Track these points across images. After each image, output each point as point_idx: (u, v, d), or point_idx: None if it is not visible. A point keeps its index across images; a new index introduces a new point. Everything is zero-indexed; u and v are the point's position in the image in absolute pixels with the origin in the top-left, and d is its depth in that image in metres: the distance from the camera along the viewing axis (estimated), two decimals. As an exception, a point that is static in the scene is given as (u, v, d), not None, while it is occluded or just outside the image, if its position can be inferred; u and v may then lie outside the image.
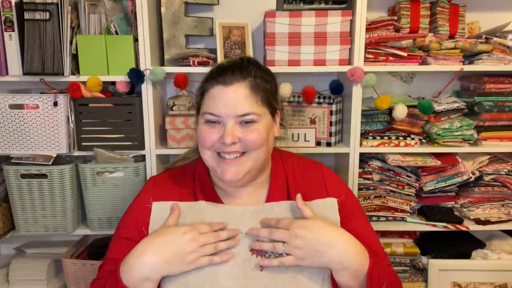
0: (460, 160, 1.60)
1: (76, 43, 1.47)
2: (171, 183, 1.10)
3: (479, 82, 1.63)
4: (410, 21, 1.60)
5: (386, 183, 1.60)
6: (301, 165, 1.13)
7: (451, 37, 1.63)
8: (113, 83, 1.54)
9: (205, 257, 0.94)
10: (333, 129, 1.59)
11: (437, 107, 1.56)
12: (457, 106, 1.58)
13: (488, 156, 1.64)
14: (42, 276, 1.61)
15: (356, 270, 0.92)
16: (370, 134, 1.57)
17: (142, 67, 1.47)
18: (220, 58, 1.54)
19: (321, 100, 1.59)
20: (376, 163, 1.59)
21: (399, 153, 1.58)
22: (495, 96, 1.58)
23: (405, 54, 1.52)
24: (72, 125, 1.51)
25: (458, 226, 1.58)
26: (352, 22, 1.50)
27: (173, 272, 0.93)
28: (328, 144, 1.61)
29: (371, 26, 1.53)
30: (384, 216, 1.61)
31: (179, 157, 1.20)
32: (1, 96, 1.44)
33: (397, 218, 1.61)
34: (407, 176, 1.59)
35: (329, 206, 1.05)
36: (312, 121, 1.62)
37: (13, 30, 1.41)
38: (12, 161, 1.48)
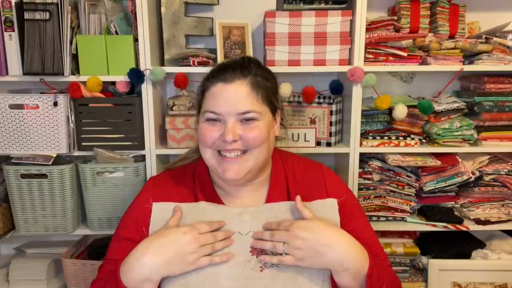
0: (460, 160, 1.60)
1: (76, 43, 1.47)
2: (171, 183, 1.10)
3: (479, 82, 1.63)
4: (410, 21, 1.60)
5: (386, 183, 1.60)
6: (301, 165, 1.13)
7: (451, 37, 1.63)
8: (113, 83, 1.54)
9: (206, 257, 0.94)
10: (333, 129, 1.59)
11: (437, 107, 1.56)
12: (457, 106, 1.58)
13: (488, 156, 1.64)
14: (42, 276, 1.61)
15: (356, 271, 0.92)
16: (370, 134, 1.57)
17: (142, 67, 1.47)
18: (220, 58, 1.54)
19: (321, 100, 1.59)
20: (376, 163, 1.59)
21: (399, 153, 1.58)
22: (495, 96, 1.58)
23: (405, 54, 1.52)
24: (72, 125, 1.51)
25: (458, 226, 1.58)
26: (352, 22, 1.50)
27: (173, 273, 0.93)
28: (328, 144, 1.61)
29: (371, 26, 1.53)
30: (384, 216, 1.61)
31: (179, 157, 1.20)
32: (1, 96, 1.44)
33: (397, 218, 1.61)
34: (407, 176, 1.59)
35: (329, 206, 1.05)
36: (312, 121, 1.62)
37: (13, 30, 1.41)
38: (12, 161, 1.48)
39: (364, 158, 1.62)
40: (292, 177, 1.09)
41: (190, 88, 1.59)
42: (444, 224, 1.58)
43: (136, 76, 1.46)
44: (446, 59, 1.54)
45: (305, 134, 1.56)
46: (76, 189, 1.53)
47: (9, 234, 1.55)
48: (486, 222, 1.59)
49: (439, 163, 1.56)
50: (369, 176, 1.60)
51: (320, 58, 1.51)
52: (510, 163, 1.62)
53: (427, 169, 1.59)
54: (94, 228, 1.55)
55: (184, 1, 1.58)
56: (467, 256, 1.65)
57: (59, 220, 1.52)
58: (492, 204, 1.63)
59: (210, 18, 1.65)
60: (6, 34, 1.42)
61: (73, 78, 1.47)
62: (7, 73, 1.45)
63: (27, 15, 1.39)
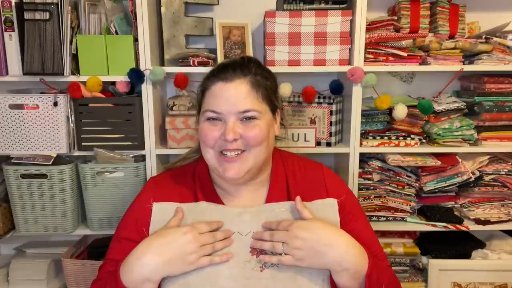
0: (460, 160, 1.60)
1: (76, 43, 1.47)
2: (171, 183, 1.10)
3: (479, 82, 1.63)
4: (410, 21, 1.60)
5: (386, 183, 1.60)
6: (301, 165, 1.13)
7: (451, 37, 1.63)
8: (113, 83, 1.54)
9: (206, 257, 0.94)
10: (333, 129, 1.59)
11: (437, 107, 1.56)
12: (457, 106, 1.58)
13: (488, 156, 1.64)
14: (42, 276, 1.61)
15: (355, 271, 0.92)
16: (370, 134, 1.57)
17: (142, 67, 1.47)
18: (220, 58, 1.54)
19: (321, 100, 1.59)
20: (376, 163, 1.59)
21: (399, 153, 1.58)
22: (495, 96, 1.58)
23: (405, 54, 1.52)
24: (72, 125, 1.51)
25: (458, 226, 1.58)
26: (352, 22, 1.50)
27: (173, 272, 0.93)
28: (328, 144, 1.61)
29: (371, 26, 1.53)
30: (384, 216, 1.61)
31: (180, 157, 1.20)
32: (1, 96, 1.44)
33: (397, 218, 1.61)
34: (407, 176, 1.59)
35: (329, 206, 1.05)
36: (312, 121, 1.62)
37: (13, 30, 1.41)
38: (12, 161, 1.48)
39: (364, 158, 1.62)
40: (292, 177, 1.09)
41: (190, 88, 1.59)
42: (444, 224, 1.58)
43: (136, 76, 1.46)
44: (446, 59, 1.54)
45: (305, 134, 1.56)
46: (76, 189, 1.53)
47: (9, 234, 1.55)
48: (486, 222, 1.59)
49: (439, 163, 1.56)
50: (369, 176, 1.60)
51: (320, 58, 1.51)
52: (510, 163, 1.62)
53: (427, 169, 1.59)
54: (94, 228, 1.55)
55: (184, 1, 1.58)
56: (467, 256, 1.65)
57: (59, 220, 1.52)
58: (492, 204, 1.63)
59: (210, 18, 1.65)
60: (6, 34, 1.42)
61: (73, 78, 1.47)
62: (7, 73, 1.45)
63: (27, 15, 1.39)
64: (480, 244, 1.68)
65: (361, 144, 1.56)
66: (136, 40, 1.47)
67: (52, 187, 1.48)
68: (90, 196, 1.51)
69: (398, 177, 1.59)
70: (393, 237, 1.68)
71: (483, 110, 1.57)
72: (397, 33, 1.53)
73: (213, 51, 1.59)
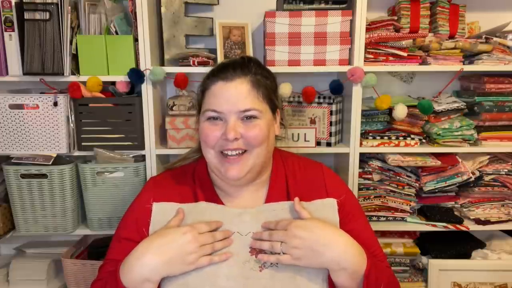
0: (460, 160, 1.60)
1: (76, 43, 1.47)
2: (171, 183, 1.10)
3: (479, 82, 1.63)
4: (410, 21, 1.60)
5: (386, 183, 1.60)
6: (301, 165, 1.13)
7: (451, 37, 1.63)
8: (113, 83, 1.54)
9: (205, 257, 0.94)
10: (333, 129, 1.59)
11: (437, 107, 1.56)
12: (457, 106, 1.58)
13: (488, 156, 1.64)
14: (42, 276, 1.61)
15: (354, 271, 0.92)
16: (370, 134, 1.57)
17: (142, 67, 1.47)
18: (220, 58, 1.54)
19: (321, 100, 1.59)
20: (376, 163, 1.59)
21: (399, 153, 1.58)
22: (495, 96, 1.58)
23: (405, 54, 1.52)
24: (72, 125, 1.51)
25: (458, 226, 1.58)
26: (352, 22, 1.50)
27: (173, 272, 0.93)
28: (328, 144, 1.61)
29: (371, 26, 1.53)
30: (384, 216, 1.61)
31: (180, 157, 1.20)
32: (1, 96, 1.44)
33: (397, 218, 1.61)
34: (407, 176, 1.59)
35: (328, 206, 1.05)
36: (312, 121, 1.62)
37: (13, 30, 1.41)
38: (12, 161, 1.48)
39: (364, 158, 1.62)
40: (292, 177, 1.09)
41: (190, 88, 1.59)
42: (444, 224, 1.58)
43: (136, 76, 1.46)
44: (446, 59, 1.54)
45: (305, 134, 1.56)
46: (76, 189, 1.53)
47: (9, 234, 1.55)
48: (486, 222, 1.59)
49: (439, 163, 1.56)
50: (369, 176, 1.60)
51: (320, 58, 1.51)
52: (510, 163, 1.62)
53: (427, 169, 1.59)
54: (94, 228, 1.55)
55: (184, 1, 1.58)
56: (467, 256, 1.65)
57: (59, 220, 1.52)
58: (492, 204, 1.63)
59: (210, 18, 1.65)
60: (6, 34, 1.42)
61: (73, 78, 1.47)
62: (7, 73, 1.45)
63: (27, 15, 1.39)
64: (480, 244, 1.68)
65: (361, 144, 1.56)
66: (136, 40, 1.47)
67: (52, 187, 1.48)
68: (90, 196, 1.51)
69: (398, 177, 1.59)
70: (393, 237, 1.68)
71: (483, 110, 1.57)
72: (397, 33, 1.53)
73: (213, 51, 1.59)
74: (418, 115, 1.58)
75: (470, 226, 1.58)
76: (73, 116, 1.50)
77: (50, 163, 1.46)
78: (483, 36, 1.57)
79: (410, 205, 1.60)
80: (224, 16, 1.68)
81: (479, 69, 1.53)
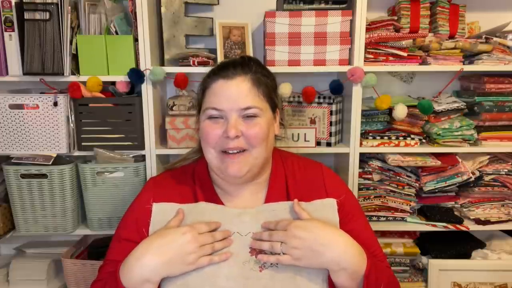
0: (460, 160, 1.60)
1: (76, 43, 1.47)
2: (171, 183, 1.10)
3: (479, 82, 1.63)
4: (410, 21, 1.60)
5: (386, 183, 1.60)
6: (301, 165, 1.13)
7: (451, 37, 1.63)
8: (113, 83, 1.54)
9: (205, 257, 0.94)
10: (333, 129, 1.59)
11: (437, 107, 1.56)
12: (457, 106, 1.58)
13: (488, 156, 1.64)
14: (42, 276, 1.61)
15: (353, 271, 0.92)
16: (370, 134, 1.57)
17: (142, 67, 1.47)
18: (220, 58, 1.54)
19: (321, 100, 1.59)
20: (376, 163, 1.59)
21: (399, 153, 1.58)
22: (495, 96, 1.58)
23: (405, 54, 1.52)
24: (72, 125, 1.51)
25: (458, 226, 1.58)
26: (352, 22, 1.50)
27: (173, 273, 0.92)
28: (328, 144, 1.61)
29: (371, 26, 1.53)
30: (384, 216, 1.61)
31: (180, 157, 1.20)
32: (1, 96, 1.44)
33: (397, 218, 1.61)
34: (407, 176, 1.59)
35: (328, 206, 1.05)
36: (312, 121, 1.62)
37: (13, 30, 1.41)
38: (12, 161, 1.48)
39: (364, 158, 1.62)
40: (291, 177, 1.09)
41: (190, 88, 1.59)
42: (444, 224, 1.58)
43: (136, 76, 1.46)
44: (446, 59, 1.54)
45: (305, 134, 1.56)
46: (76, 189, 1.53)
47: (9, 234, 1.55)
48: (486, 222, 1.59)
49: (439, 163, 1.56)
50: (369, 176, 1.60)
51: (320, 58, 1.51)
52: (510, 163, 1.62)
53: (427, 169, 1.59)
54: (94, 228, 1.55)
55: (184, 1, 1.58)
56: (467, 256, 1.65)
57: (59, 220, 1.52)
58: (492, 204, 1.63)
59: (210, 18, 1.65)
60: (6, 34, 1.42)
61: (73, 78, 1.47)
62: (7, 73, 1.45)
63: (27, 15, 1.39)
64: (480, 244, 1.68)
65: (361, 144, 1.56)
66: (136, 40, 1.47)
67: (52, 187, 1.48)
68: (90, 196, 1.51)
69: (398, 177, 1.59)
70: (393, 237, 1.68)
71: (483, 110, 1.57)
72: (397, 33, 1.53)
73: (213, 51, 1.59)
74: (418, 115, 1.58)
75: (470, 226, 1.58)
76: (73, 116, 1.50)
77: (50, 163, 1.46)
78: (483, 36, 1.57)
79: (410, 205, 1.60)
80: (224, 16, 1.68)
81: (479, 69, 1.53)
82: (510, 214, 1.61)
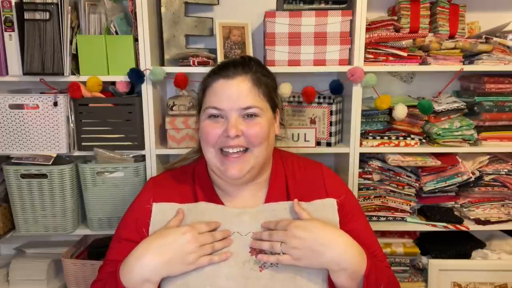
0: (460, 160, 1.60)
1: (76, 43, 1.47)
2: (171, 183, 1.10)
3: (479, 82, 1.63)
4: (410, 21, 1.60)
5: (386, 183, 1.60)
6: (301, 165, 1.13)
7: (451, 37, 1.63)
8: (113, 83, 1.54)
9: (205, 257, 0.94)
10: (333, 129, 1.59)
11: (437, 107, 1.56)
12: (457, 106, 1.58)
13: (488, 156, 1.64)
14: (42, 276, 1.61)
15: (353, 271, 0.92)
16: (370, 134, 1.57)
17: (142, 67, 1.47)
18: (220, 58, 1.54)
19: (321, 100, 1.59)
20: (376, 163, 1.59)
21: (399, 153, 1.58)
22: (495, 96, 1.58)
23: (405, 54, 1.52)
24: (72, 125, 1.51)
25: (458, 226, 1.58)
26: (352, 22, 1.50)
27: (173, 273, 0.92)
28: (328, 144, 1.61)
29: (371, 26, 1.53)
30: (384, 216, 1.61)
31: (180, 157, 1.20)
32: (1, 96, 1.44)
33: (397, 218, 1.61)
34: (407, 176, 1.59)
35: (328, 206, 1.04)
36: (312, 121, 1.62)
37: (13, 30, 1.41)
38: (12, 161, 1.48)
39: (364, 158, 1.62)
40: (291, 177, 1.09)
41: (190, 88, 1.59)
42: (444, 224, 1.58)
43: (136, 76, 1.46)
44: (446, 59, 1.54)
45: (305, 134, 1.56)
46: (76, 189, 1.53)
47: (9, 234, 1.55)
48: (486, 222, 1.59)
49: (439, 163, 1.56)
50: (369, 176, 1.60)
51: (320, 58, 1.51)
52: (510, 163, 1.62)
53: (427, 169, 1.59)
54: (94, 228, 1.55)
55: (184, 1, 1.58)
56: (467, 256, 1.65)
57: (59, 220, 1.52)
58: (492, 204, 1.63)
59: (210, 18, 1.65)
60: (6, 34, 1.42)
61: (73, 78, 1.47)
62: (7, 73, 1.45)
63: (27, 15, 1.39)
64: (480, 244, 1.68)
65: (361, 144, 1.56)
66: (136, 40, 1.47)
67: (52, 187, 1.48)
68: (90, 196, 1.51)
69: (398, 177, 1.59)
70: (393, 237, 1.68)
71: (483, 110, 1.57)
72: (397, 33, 1.53)
73: (213, 51, 1.59)
74: (418, 115, 1.58)
75: (470, 226, 1.58)
76: (73, 116, 1.50)
77: (50, 163, 1.46)
78: (483, 36, 1.57)
79: (410, 205, 1.60)
80: (224, 16, 1.68)
81: (479, 69, 1.53)
82: (510, 214, 1.61)
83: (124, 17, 1.54)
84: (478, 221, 1.59)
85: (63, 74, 1.43)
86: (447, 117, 1.59)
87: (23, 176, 1.47)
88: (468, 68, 1.53)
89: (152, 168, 1.52)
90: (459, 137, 1.56)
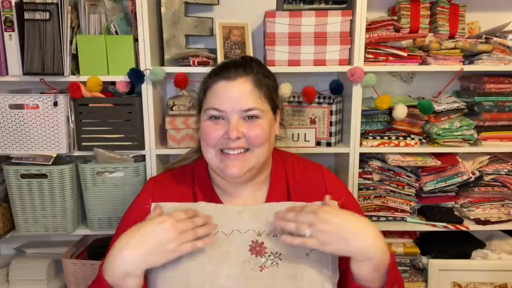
0: (460, 160, 1.60)
1: (76, 43, 1.47)
2: (170, 183, 1.10)
3: (479, 82, 1.63)
4: (410, 21, 1.60)
5: (386, 183, 1.60)
6: (301, 165, 1.13)
7: (451, 37, 1.63)
8: (113, 83, 1.54)
9: (187, 243, 0.90)
10: (333, 129, 1.59)
11: (437, 107, 1.56)
12: (457, 106, 1.58)
13: (488, 156, 1.64)
14: (42, 276, 1.61)
15: (378, 262, 0.90)
16: (370, 134, 1.57)
17: (142, 67, 1.47)
18: (220, 58, 1.54)
19: (321, 100, 1.59)
20: (376, 163, 1.59)
21: (399, 153, 1.58)
22: (495, 96, 1.58)
23: (405, 54, 1.52)
24: (72, 125, 1.51)
25: (458, 226, 1.58)
26: (352, 22, 1.50)
27: (155, 263, 0.90)
28: (328, 144, 1.61)
29: (371, 26, 1.53)
30: (384, 216, 1.61)
31: (179, 157, 1.19)
32: (1, 96, 1.44)
33: (397, 218, 1.61)
34: (407, 176, 1.59)
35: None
36: (312, 121, 1.62)
37: (13, 30, 1.41)
38: (12, 161, 1.48)
39: (364, 158, 1.62)
40: (292, 177, 1.09)
41: (190, 88, 1.59)
42: (444, 224, 1.58)
43: (136, 76, 1.46)
44: (446, 59, 1.54)
45: (305, 134, 1.56)
46: (76, 189, 1.53)
47: (9, 234, 1.55)
48: (486, 222, 1.59)
49: (439, 163, 1.56)
50: (369, 176, 1.60)
51: (320, 58, 1.51)
52: (510, 163, 1.62)
53: (427, 169, 1.59)
54: (94, 228, 1.55)
55: (184, 1, 1.58)
56: (467, 256, 1.65)
57: (59, 220, 1.52)
58: (492, 204, 1.63)
59: (210, 18, 1.65)
60: (6, 34, 1.42)
61: (73, 78, 1.47)
62: (7, 73, 1.45)
63: (27, 15, 1.39)
64: (480, 244, 1.68)
65: (361, 144, 1.56)
66: (136, 40, 1.47)
67: (52, 187, 1.48)
68: (90, 196, 1.51)
69: (398, 177, 1.59)
70: (393, 237, 1.68)
71: (483, 110, 1.57)
72: (397, 33, 1.53)
73: (213, 51, 1.59)
74: (418, 115, 1.58)
75: (470, 226, 1.58)
76: (73, 116, 1.50)
77: (50, 163, 1.46)
78: (483, 36, 1.57)
79: (410, 205, 1.60)
80: (224, 16, 1.68)
81: (479, 69, 1.53)
82: (510, 214, 1.62)
83: (124, 17, 1.54)
84: (478, 221, 1.59)
85: (63, 74, 1.43)
86: (447, 117, 1.59)
87: (23, 176, 1.47)
88: (468, 68, 1.53)
89: (152, 168, 1.52)
90: (459, 137, 1.56)
